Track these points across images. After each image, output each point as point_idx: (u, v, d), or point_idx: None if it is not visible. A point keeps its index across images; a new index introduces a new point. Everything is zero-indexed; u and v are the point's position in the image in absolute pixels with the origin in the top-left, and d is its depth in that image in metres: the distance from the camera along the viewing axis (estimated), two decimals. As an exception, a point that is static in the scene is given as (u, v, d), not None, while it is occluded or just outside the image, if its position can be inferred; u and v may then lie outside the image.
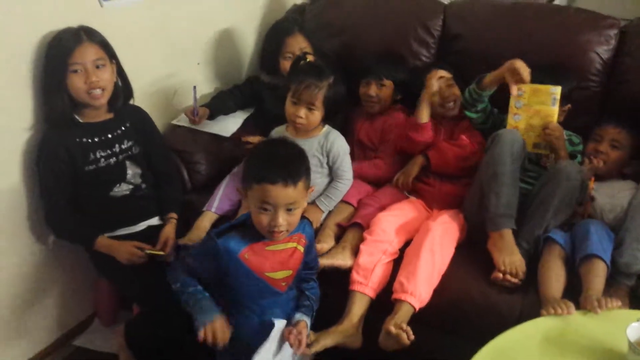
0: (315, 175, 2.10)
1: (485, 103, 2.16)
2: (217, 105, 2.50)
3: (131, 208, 2.08)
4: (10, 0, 1.81)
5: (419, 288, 1.82)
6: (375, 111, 2.41)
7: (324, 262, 1.91)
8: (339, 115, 2.25)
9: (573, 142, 2.18)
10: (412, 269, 1.85)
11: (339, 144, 2.12)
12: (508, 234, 1.89)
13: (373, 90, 2.37)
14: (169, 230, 2.07)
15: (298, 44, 2.43)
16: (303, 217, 1.77)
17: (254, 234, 1.62)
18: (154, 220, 2.13)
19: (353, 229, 2.06)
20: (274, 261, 1.65)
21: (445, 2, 2.54)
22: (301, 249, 1.71)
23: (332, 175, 2.16)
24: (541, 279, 1.80)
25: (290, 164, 1.57)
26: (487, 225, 1.92)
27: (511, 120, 2.08)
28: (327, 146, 2.10)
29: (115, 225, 2.05)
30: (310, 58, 2.16)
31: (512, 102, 2.07)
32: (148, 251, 1.97)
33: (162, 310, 1.85)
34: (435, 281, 1.87)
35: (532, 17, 2.34)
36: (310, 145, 2.08)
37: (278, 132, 2.19)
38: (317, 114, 2.04)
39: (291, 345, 1.64)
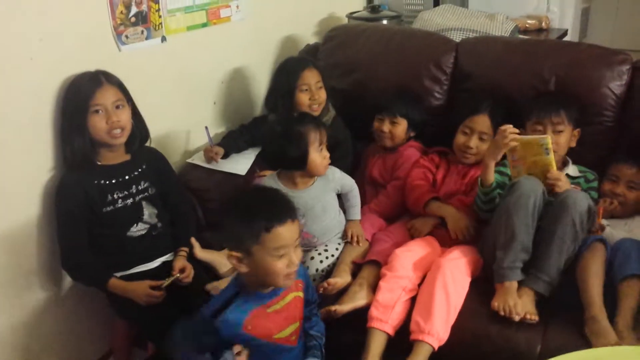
0: (328, 216, 2.14)
1: (494, 192, 2.05)
2: (230, 145, 2.52)
3: (147, 247, 2.09)
4: (32, 46, 1.87)
5: (436, 327, 1.80)
6: (388, 146, 2.43)
7: (346, 307, 1.90)
8: (347, 157, 2.31)
9: (588, 179, 2.17)
10: (428, 308, 1.84)
11: (338, 173, 2.16)
12: (511, 285, 1.87)
13: (386, 126, 2.39)
14: (179, 261, 2.06)
15: (314, 78, 2.46)
16: None
17: (251, 300, 1.57)
18: (169, 257, 2.13)
19: (369, 266, 2.05)
20: (280, 321, 1.61)
21: (457, 41, 2.57)
22: (301, 295, 1.69)
23: (342, 193, 2.20)
24: (584, 278, 1.79)
25: (283, 200, 1.57)
26: (494, 277, 1.91)
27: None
28: (333, 182, 2.13)
29: (131, 264, 2.06)
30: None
31: (508, 156, 2.04)
32: (164, 285, 1.97)
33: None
34: (452, 318, 1.85)
35: (544, 53, 2.35)
36: (314, 192, 2.10)
37: (269, 179, 2.16)
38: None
39: None
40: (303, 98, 2.43)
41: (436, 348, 1.79)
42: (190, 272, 2.04)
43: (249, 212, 1.52)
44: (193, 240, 2.13)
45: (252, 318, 1.55)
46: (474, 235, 2.11)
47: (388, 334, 1.86)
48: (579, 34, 4.24)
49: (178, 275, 2.01)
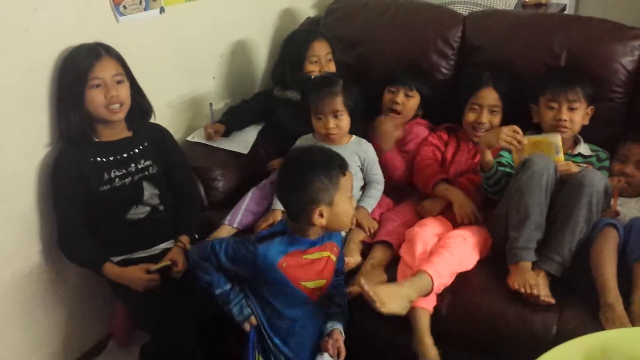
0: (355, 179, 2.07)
1: (498, 174, 2.02)
2: (232, 122, 2.47)
3: (148, 231, 2.01)
4: (27, 18, 1.78)
5: (436, 265, 1.79)
6: (397, 122, 2.34)
7: (358, 289, 1.83)
8: (359, 125, 2.23)
9: (600, 158, 2.14)
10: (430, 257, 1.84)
11: (372, 151, 2.16)
12: (525, 265, 1.83)
13: (400, 97, 2.32)
14: (174, 253, 1.97)
15: (324, 49, 2.41)
16: None
17: (293, 241, 1.64)
18: (171, 243, 2.05)
19: (379, 246, 2.01)
20: (311, 271, 1.66)
21: (464, 14, 2.50)
22: (334, 258, 1.71)
23: (367, 179, 2.16)
24: (598, 264, 1.75)
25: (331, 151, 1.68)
26: (507, 258, 1.87)
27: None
28: (362, 154, 2.13)
29: (131, 249, 1.99)
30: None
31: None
32: (154, 268, 1.91)
33: (177, 333, 1.80)
34: (454, 267, 1.84)
35: (554, 28, 2.30)
36: (344, 151, 2.02)
37: (305, 140, 2.17)
38: (345, 119, 2.06)
39: (331, 356, 1.64)
40: (312, 69, 2.38)
41: (435, 283, 1.75)
42: (181, 267, 1.94)
43: (323, 165, 1.59)
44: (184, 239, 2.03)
45: (288, 257, 1.62)
46: (481, 220, 2.07)
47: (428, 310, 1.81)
48: (574, 9, 4.21)
49: (169, 263, 1.93)
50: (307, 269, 1.65)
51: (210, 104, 2.39)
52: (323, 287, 1.70)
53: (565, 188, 1.89)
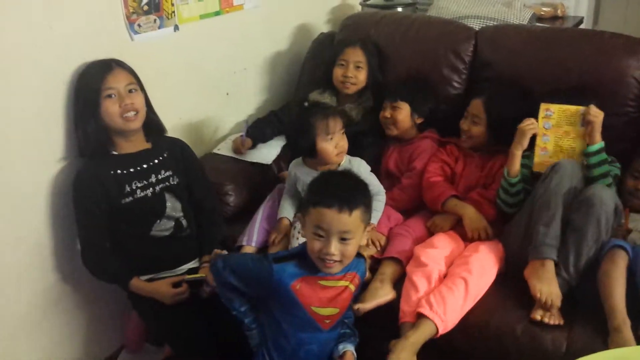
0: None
1: (519, 186, 2.05)
2: (257, 134, 2.51)
3: (172, 250, 2.02)
4: (42, 34, 1.82)
5: (447, 311, 1.78)
6: (393, 134, 2.36)
7: (369, 305, 1.86)
8: (368, 150, 2.28)
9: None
10: (443, 294, 1.82)
11: (364, 168, 2.12)
12: (550, 264, 1.82)
13: (387, 112, 2.34)
14: (205, 271, 1.97)
15: (355, 56, 2.45)
16: (359, 256, 1.73)
17: (310, 266, 1.61)
18: (195, 263, 2.07)
19: (389, 262, 2.01)
20: (324, 297, 1.63)
21: (477, 28, 2.50)
22: (352, 288, 1.68)
23: None
24: (605, 286, 1.73)
25: (348, 191, 1.56)
26: (530, 253, 1.86)
27: (539, 141, 2.06)
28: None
29: (155, 268, 1.99)
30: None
31: (540, 123, 2.04)
32: (188, 278, 1.94)
33: (200, 351, 1.82)
34: (466, 307, 1.83)
35: (566, 42, 2.29)
36: None
37: (296, 164, 2.17)
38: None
39: None
40: (337, 72, 2.46)
41: (440, 331, 1.76)
42: (213, 284, 1.92)
43: (317, 183, 1.62)
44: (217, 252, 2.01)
45: (302, 280, 1.60)
46: (492, 235, 2.06)
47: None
48: (592, 21, 4.18)
49: (204, 276, 1.94)
50: (321, 294, 1.62)
51: (246, 120, 2.48)
52: (335, 316, 1.66)
53: (575, 206, 1.87)
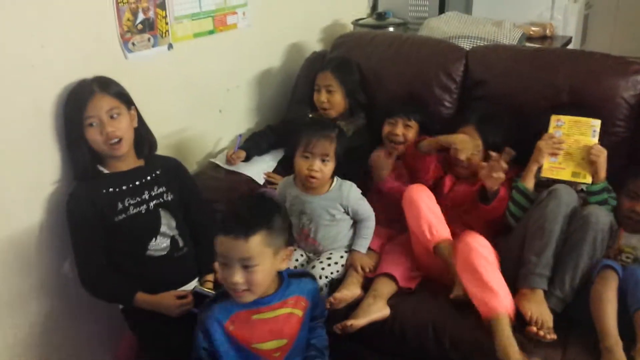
0: (336, 227, 2.10)
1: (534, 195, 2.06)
2: (252, 148, 2.52)
3: (171, 272, 2.00)
4: (34, 54, 1.81)
5: (500, 299, 1.78)
6: (398, 152, 2.35)
7: (361, 321, 1.85)
8: (358, 167, 2.27)
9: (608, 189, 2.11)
10: (483, 286, 1.80)
11: (354, 194, 2.10)
12: (539, 292, 1.83)
13: (399, 129, 2.33)
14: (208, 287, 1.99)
15: (325, 80, 2.47)
16: (303, 275, 1.69)
17: (239, 302, 1.53)
18: (193, 283, 2.04)
19: (382, 278, 2.00)
20: (263, 331, 1.55)
21: (467, 48, 2.53)
22: (299, 313, 1.60)
23: (356, 219, 2.13)
24: (597, 307, 1.74)
25: (247, 217, 1.48)
26: (520, 281, 1.87)
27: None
28: (344, 202, 2.08)
29: (154, 290, 1.95)
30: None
31: (550, 132, 2.08)
32: (198, 288, 1.92)
33: None
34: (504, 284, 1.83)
35: (557, 62, 2.32)
36: (324, 202, 2.07)
37: (286, 183, 2.15)
38: (330, 166, 2.00)
39: None
40: (315, 97, 2.49)
41: (512, 316, 1.77)
42: None
43: (224, 211, 1.56)
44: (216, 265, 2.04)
45: (235, 318, 1.53)
46: None
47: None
48: (580, 41, 4.23)
49: (212, 292, 1.90)
50: (259, 329, 1.54)
51: (240, 135, 2.51)
52: (285, 347, 1.58)
53: (571, 225, 1.89)
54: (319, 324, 1.74)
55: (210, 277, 2.04)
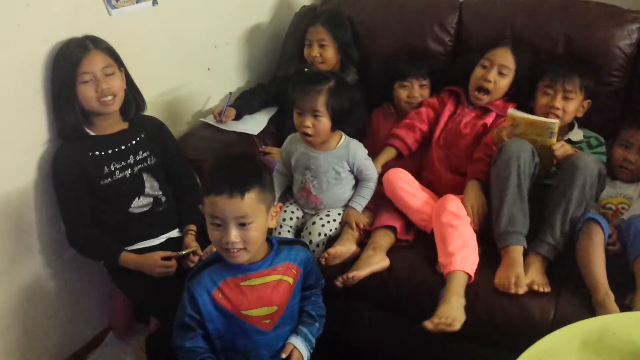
0: (339, 185, 2.08)
1: None
2: (243, 106, 2.48)
3: (151, 223, 2.02)
4: (19, 13, 1.77)
5: (459, 257, 1.81)
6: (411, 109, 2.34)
7: (363, 272, 1.86)
8: (358, 119, 2.18)
9: (591, 145, 2.11)
10: (445, 246, 1.84)
11: (361, 154, 2.08)
12: (514, 251, 1.83)
13: (417, 91, 2.31)
14: (189, 240, 2.02)
15: (317, 34, 2.41)
16: (294, 243, 1.66)
17: (227, 269, 1.52)
18: (174, 233, 2.08)
19: (380, 231, 2.00)
20: (252, 297, 1.53)
21: (461, 0, 2.48)
22: (289, 280, 1.58)
23: (359, 178, 2.11)
24: (585, 263, 1.74)
25: (239, 175, 1.45)
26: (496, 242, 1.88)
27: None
28: (351, 159, 2.05)
29: (134, 240, 1.99)
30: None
31: (509, 130, 1.98)
32: (183, 252, 1.94)
33: None
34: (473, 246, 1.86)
35: (551, 12, 2.27)
36: (331, 158, 2.05)
37: (293, 139, 2.13)
38: (324, 121, 1.94)
39: None
40: (306, 52, 2.45)
41: (471, 274, 1.80)
42: (202, 253, 1.97)
43: (208, 171, 1.55)
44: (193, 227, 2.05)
45: (223, 285, 1.51)
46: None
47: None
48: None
49: (195, 248, 1.96)
50: (248, 295, 1.52)
51: (230, 93, 2.47)
52: (275, 314, 1.55)
53: (560, 171, 1.89)
54: (315, 292, 1.71)
55: (192, 227, 2.06)
